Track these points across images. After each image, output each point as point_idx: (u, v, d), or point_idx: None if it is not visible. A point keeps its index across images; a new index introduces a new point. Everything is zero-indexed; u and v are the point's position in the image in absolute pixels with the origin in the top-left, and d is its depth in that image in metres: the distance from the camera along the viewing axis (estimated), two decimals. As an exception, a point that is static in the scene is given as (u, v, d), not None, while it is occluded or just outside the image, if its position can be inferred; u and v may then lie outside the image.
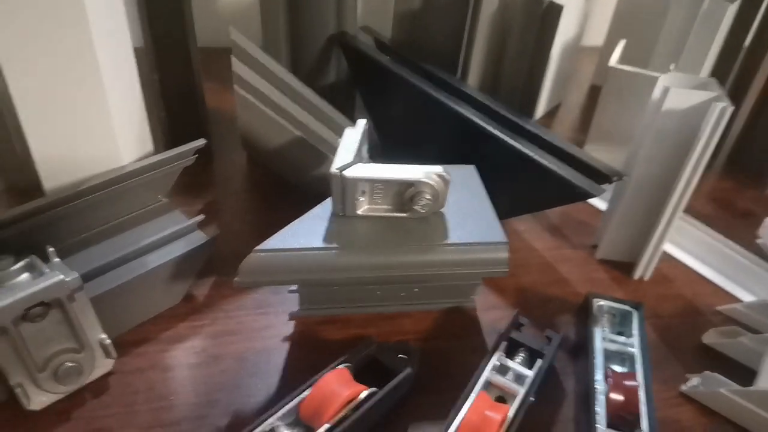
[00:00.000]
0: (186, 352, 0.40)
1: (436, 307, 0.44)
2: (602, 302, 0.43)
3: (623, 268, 0.51)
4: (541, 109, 0.74)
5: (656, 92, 0.43)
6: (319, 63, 0.62)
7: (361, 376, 0.36)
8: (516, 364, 0.38)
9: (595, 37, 0.89)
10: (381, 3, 0.85)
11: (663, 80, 0.43)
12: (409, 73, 0.54)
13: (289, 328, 0.42)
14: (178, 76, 0.53)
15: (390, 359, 0.38)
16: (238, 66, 0.46)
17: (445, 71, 0.56)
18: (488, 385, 0.37)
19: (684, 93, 0.41)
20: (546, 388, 0.40)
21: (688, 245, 0.53)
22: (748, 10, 0.62)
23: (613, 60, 0.56)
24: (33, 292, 0.32)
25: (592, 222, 0.56)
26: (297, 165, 0.50)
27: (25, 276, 0.35)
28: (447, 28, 0.59)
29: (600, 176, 0.44)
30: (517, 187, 0.46)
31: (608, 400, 0.36)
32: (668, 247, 0.53)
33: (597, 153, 0.61)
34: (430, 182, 0.38)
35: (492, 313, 0.45)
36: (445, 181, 0.38)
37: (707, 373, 0.40)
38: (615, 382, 0.36)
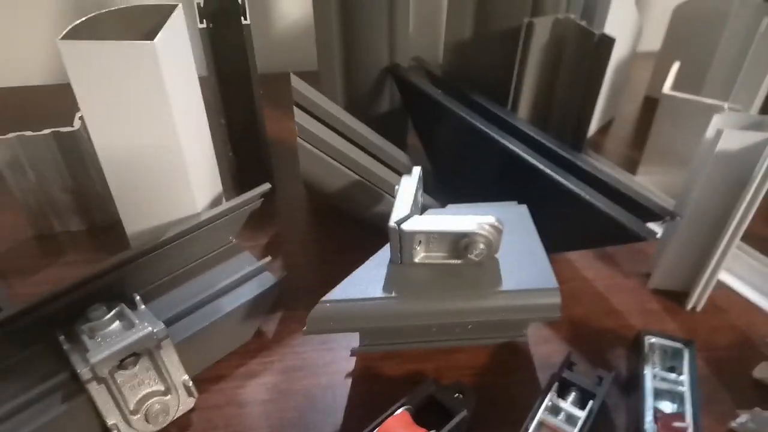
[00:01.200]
0: (258, 388, 0.43)
1: (489, 342, 0.46)
2: (654, 339, 0.44)
3: (676, 297, 0.51)
4: (593, 126, 0.74)
5: (709, 132, 0.43)
6: (373, 94, 0.64)
7: (420, 416, 0.39)
8: (568, 405, 0.40)
9: (650, 42, 0.87)
10: (433, 34, 0.86)
11: (716, 121, 0.43)
12: (458, 105, 0.56)
13: (350, 363, 0.45)
14: (241, 112, 0.57)
15: (448, 399, 0.40)
16: (300, 116, 0.48)
17: (495, 103, 0.57)
18: (541, 426, 0.39)
19: (738, 134, 0.42)
20: (597, 425, 0.41)
21: (743, 273, 0.53)
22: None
23: (667, 86, 0.56)
24: (127, 344, 0.36)
25: (646, 249, 0.57)
26: (357, 204, 0.52)
27: (116, 325, 0.39)
28: (497, 60, 0.60)
29: (652, 215, 0.44)
30: (566, 225, 0.47)
31: (658, 444, 0.37)
32: (723, 276, 0.53)
33: (652, 175, 0.62)
34: (484, 233, 0.40)
35: (544, 347, 0.47)
36: (499, 231, 0.40)
37: (757, 410, 0.41)
38: (663, 423, 0.38)
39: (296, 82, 0.51)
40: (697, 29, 0.68)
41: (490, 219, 0.40)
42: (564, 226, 0.49)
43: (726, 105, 0.46)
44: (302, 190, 0.64)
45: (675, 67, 0.59)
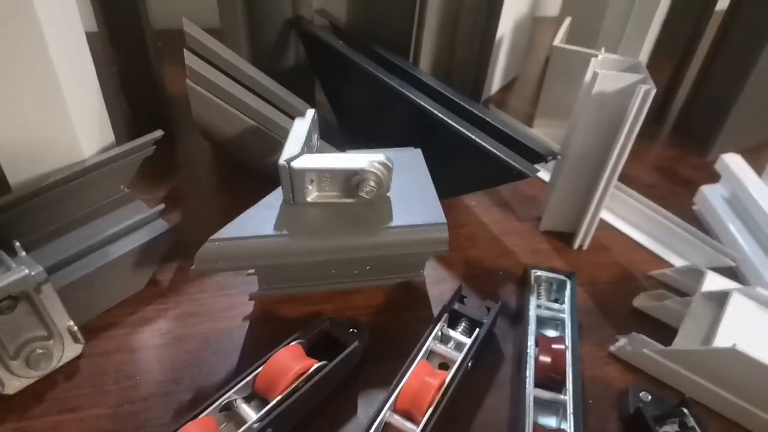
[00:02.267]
0: (152, 334, 0.42)
1: (387, 283, 0.48)
2: (539, 273, 0.47)
3: (565, 238, 0.54)
4: (496, 83, 0.76)
5: (588, 75, 0.46)
6: (278, 48, 0.64)
7: (315, 350, 0.40)
8: (457, 334, 0.42)
9: (553, 7, 0.90)
10: None
11: (594, 64, 0.45)
12: (361, 58, 0.56)
13: (249, 307, 0.45)
14: (134, 65, 0.55)
15: (342, 334, 0.41)
16: (190, 58, 0.47)
17: (398, 55, 0.58)
18: (430, 354, 0.41)
19: (612, 76, 0.44)
20: (487, 353, 0.43)
21: (625, 215, 0.56)
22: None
23: (557, 39, 0.58)
24: (0, 287, 0.35)
25: (539, 195, 0.60)
26: (254, 152, 0.52)
27: (-8, 270, 0.37)
28: (398, 11, 0.60)
29: (536, 156, 0.46)
30: (460, 168, 0.49)
31: (537, 362, 0.39)
32: (608, 217, 0.57)
33: (545, 128, 0.65)
34: (374, 170, 0.40)
35: (440, 286, 0.49)
36: (388, 169, 0.41)
37: (633, 334, 0.44)
38: (543, 345, 0.40)
39: (189, 26, 0.50)
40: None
41: (380, 157, 0.41)
42: (460, 169, 0.50)
43: (602, 50, 0.48)
44: (206, 144, 0.63)
45: (566, 22, 0.62)
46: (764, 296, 0.42)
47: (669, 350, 0.40)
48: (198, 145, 0.63)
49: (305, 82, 0.68)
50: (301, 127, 0.43)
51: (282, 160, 0.39)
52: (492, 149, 0.46)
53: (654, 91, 0.43)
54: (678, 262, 0.53)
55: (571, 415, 0.36)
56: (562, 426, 0.37)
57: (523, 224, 0.56)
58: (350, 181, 0.41)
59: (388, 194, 0.43)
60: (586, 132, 0.47)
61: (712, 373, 0.39)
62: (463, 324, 0.43)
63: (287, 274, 0.45)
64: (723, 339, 0.39)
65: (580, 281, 0.50)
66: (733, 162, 0.55)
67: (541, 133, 0.65)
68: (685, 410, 0.38)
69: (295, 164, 0.39)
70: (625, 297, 0.49)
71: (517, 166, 0.44)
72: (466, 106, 0.51)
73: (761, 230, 0.51)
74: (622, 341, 0.44)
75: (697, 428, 0.37)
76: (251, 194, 0.43)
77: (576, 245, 0.53)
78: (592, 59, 0.45)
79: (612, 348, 0.44)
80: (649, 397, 0.39)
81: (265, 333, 0.44)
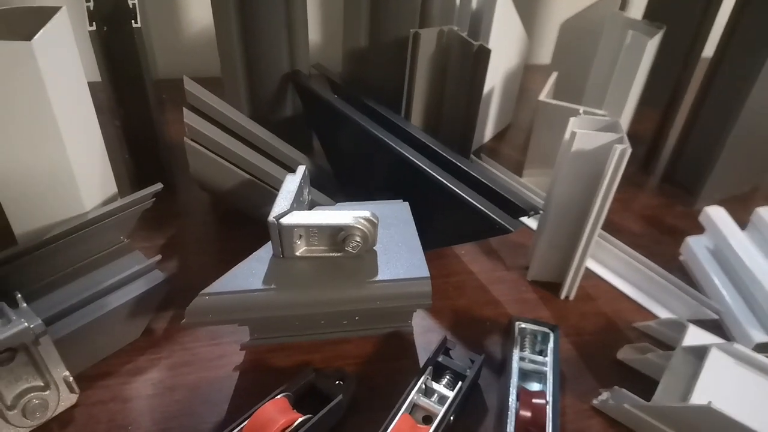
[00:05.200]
0: (144, 384, 0.44)
1: (376, 333, 0.49)
2: (523, 325, 0.48)
3: (551, 288, 0.56)
4: (489, 132, 0.79)
5: (567, 134, 0.47)
6: (276, 101, 0.66)
7: (302, 403, 0.41)
8: (441, 386, 0.43)
9: (545, 55, 0.93)
10: (334, 42, 0.89)
11: (572, 123, 0.47)
12: (352, 110, 0.59)
13: (240, 357, 0.47)
14: (136, 115, 0.57)
15: (327, 386, 0.42)
16: (189, 116, 0.50)
17: (390, 109, 0.61)
18: (414, 407, 0.42)
19: (589, 135, 0.46)
20: (471, 405, 0.44)
21: (612, 264, 0.58)
22: (673, 37, 0.67)
23: (543, 94, 0.60)
24: (1, 339, 0.36)
25: (527, 243, 0.61)
26: (251, 203, 0.54)
27: (-7, 322, 0.39)
28: (391, 68, 0.63)
29: (519, 210, 0.48)
30: (446, 220, 0.51)
31: (518, 416, 0.40)
32: (594, 267, 0.58)
33: (534, 176, 0.67)
34: (359, 226, 0.42)
35: (428, 336, 0.50)
36: (373, 224, 0.43)
37: (616, 388, 0.45)
38: (524, 400, 0.41)
39: (189, 84, 0.53)
40: (579, 43, 0.74)
41: (365, 213, 0.43)
42: (446, 221, 0.52)
43: (581, 109, 0.50)
44: (204, 194, 0.65)
45: (553, 77, 0.64)
46: (741, 352, 0.43)
47: (647, 406, 0.41)
48: (197, 194, 0.65)
49: (303, 133, 0.70)
50: (291, 183, 0.45)
51: (271, 217, 0.41)
52: (474, 203, 0.47)
53: (629, 151, 0.45)
54: (662, 313, 0.54)
55: (548, 471, 0.37)
56: (541, 481, 0.38)
57: (511, 273, 0.58)
58: (337, 236, 0.43)
59: (375, 247, 0.45)
60: (567, 186, 0.49)
61: (690, 429, 0.40)
62: (447, 377, 0.44)
63: (277, 325, 0.46)
64: (700, 396, 0.40)
65: (566, 331, 0.51)
66: (715, 214, 0.57)
67: (531, 181, 0.67)
68: (662, 466, 0.38)
69: (284, 221, 0.41)
70: (609, 348, 0.50)
71: (498, 220, 0.46)
72: (452, 159, 0.53)
73: (743, 283, 0.52)
74: (605, 395, 0.45)
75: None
76: (248, 240, 0.45)
77: (562, 295, 0.55)
78: (571, 119, 0.47)
79: (595, 402, 0.45)
80: (628, 452, 0.40)
81: (254, 383, 0.45)
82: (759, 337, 0.48)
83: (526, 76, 0.87)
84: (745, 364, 0.42)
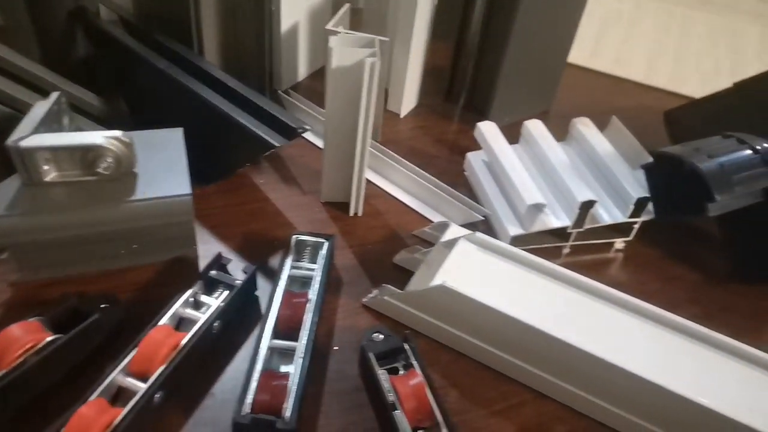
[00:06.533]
0: None
1: (159, 259, 0.49)
2: (302, 237, 0.50)
3: (343, 207, 0.58)
4: (303, 70, 0.80)
5: (328, 52, 0.49)
6: (65, 40, 0.63)
7: (66, 328, 0.40)
8: (210, 299, 0.44)
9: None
10: None
11: (332, 41, 0.49)
12: (139, 46, 0.57)
13: (8, 294, 0.45)
14: None
15: (91, 309, 0.42)
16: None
17: (183, 45, 0.60)
18: (182, 320, 0.43)
19: (345, 51, 0.48)
20: (249, 314, 0.46)
21: (400, 182, 0.61)
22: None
23: (331, 24, 0.62)
24: None
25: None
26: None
27: None
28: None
29: (288, 129, 0.50)
30: (226, 145, 0.52)
31: (278, 315, 0.43)
32: (384, 185, 0.61)
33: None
34: (109, 146, 0.42)
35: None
36: (127, 145, 0.43)
37: (383, 285, 0.48)
38: (286, 299, 0.44)
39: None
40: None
41: (117, 133, 0.42)
42: (226, 146, 0.53)
43: (340, 27, 0.52)
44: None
45: (345, 7, 0.66)
46: (484, 240, 0.48)
47: (398, 293, 0.45)
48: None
49: (102, 75, 0.68)
50: (39, 109, 0.44)
51: (10, 141, 0.40)
52: (243, 121, 0.49)
53: (379, 64, 0.48)
54: (439, 219, 0.58)
55: (299, 359, 0.40)
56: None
57: (307, 197, 0.60)
58: (87, 158, 0.42)
59: (135, 170, 0.45)
60: (336, 104, 0.51)
61: (435, 310, 0.44)
62: (221, 290, 0.45)
63: (44, 256, 0.45)
64: (441, 278, 0.44)
65: (351, 243, 0.54)
66: (486, 130, 0.62)
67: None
68: (406, 346, 0.42)
69: (23, 143, 0.40)
70: (388, 255, 0.54)
71: (261, 135, 0.47)
72: (234, 87, 0.54)
73: (505, 189, 0.57)
74: (374, 293, 0.49)
75: (415, 362, 0.41)
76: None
77: (352, 212, 0.57)
78: (330, 37, 0.49)
79: (364, 300, 0.49)
80: (381, 337, 0.43)
81: (22, 318, 0.44)
82: (514, 231, 0.54)
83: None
84: (486, 250, 0.47)
